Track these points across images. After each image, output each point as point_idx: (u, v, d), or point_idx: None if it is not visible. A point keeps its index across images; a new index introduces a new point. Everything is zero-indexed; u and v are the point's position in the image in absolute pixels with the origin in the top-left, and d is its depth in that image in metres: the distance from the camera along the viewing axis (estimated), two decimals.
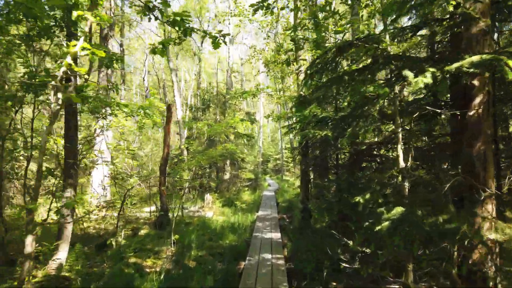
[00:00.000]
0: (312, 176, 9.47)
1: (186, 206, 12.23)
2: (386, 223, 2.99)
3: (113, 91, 5.36)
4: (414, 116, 3.70)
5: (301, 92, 8.04)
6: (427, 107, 3.21)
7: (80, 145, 7.63)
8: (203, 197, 13.12)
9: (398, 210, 2.95)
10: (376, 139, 8.49)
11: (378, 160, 5.31)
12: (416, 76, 2.65)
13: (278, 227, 7.84)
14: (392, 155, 5.92)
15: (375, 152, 5.26)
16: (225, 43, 3.65)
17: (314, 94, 4.07)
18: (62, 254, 5.09)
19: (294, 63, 7.94)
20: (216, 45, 3.67)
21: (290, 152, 31.26)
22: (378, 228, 3.04)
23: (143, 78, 32.24)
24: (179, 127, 16.92)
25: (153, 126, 7.34)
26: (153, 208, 10.31)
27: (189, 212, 11.38)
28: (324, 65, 4.41)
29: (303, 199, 8.10)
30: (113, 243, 6.27)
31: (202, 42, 29.07)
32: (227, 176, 18.09)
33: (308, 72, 4.79)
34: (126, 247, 6.57)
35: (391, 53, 3.22)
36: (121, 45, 20.43)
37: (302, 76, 7.74)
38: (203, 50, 31.25)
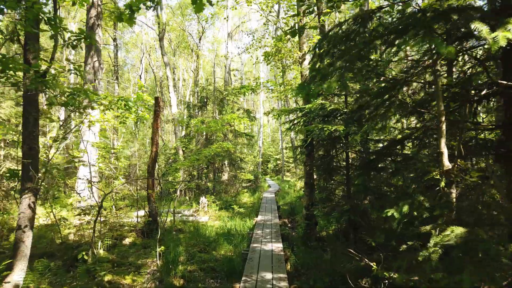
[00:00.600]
0: (316, 178, 8.54)
1: (180, 210, 11.33)
2: (437, 250, 2.06)
3: (77, 74, 4.44)
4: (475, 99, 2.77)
5: (305, 83, 7.12)
6: (501, 81, 2.29)
7: (53, 143, 6.75)
8: (198, 200, 12.21)
9: (457, 231, 2.02)
10: (381, 136, 7.57)
11: (399, 160, 4.39)
12: (493, 30, 1.72)
13: (280, 235, 6.92)
14: (411, 153, 5.01)
15: (397, 150, 4.33)
16: (210, 3, 2.74)
17: (335, 64, 3.13)
18: (17, 274, 4.18)
19: (298, 51, 7.03)
20: (198, 7, 2.75)
21: (291, 151, 30.31)
22: (424, 255, 2.13)
23: (140, 75, 31.40)
24: (174, 125, 16.02)
25: (137, 121, 6.43)
26: (142, 212, 9.41)
27: (182, 217, 10.48)
28: (339, 40, 3.49)
29: (308, 205, 7.18)
30: (86, 257, 5.35)
31: (200, 39, 28.19)
32: (225, 177, 17.18)
33: (317, 50, 3.87)
34: (103, 261, 5.66)
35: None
36: (114, 40, 19.54)
37: (306, 62, 6.83)
38: (202, 47, 30.38)
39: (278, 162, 35.41)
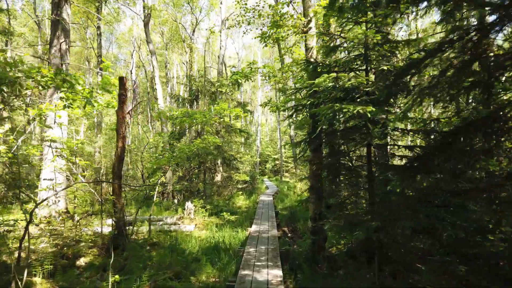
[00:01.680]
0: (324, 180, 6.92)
1: (162, 217, 9.70)
2: None
3: None
4: None
5: (311, 58, 5.52)
6: None
7: None
8: (184, 205, 10.57)
9: None
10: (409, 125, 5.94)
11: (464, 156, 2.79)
12: None
13: (278, 255, 5.31)
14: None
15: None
16: None
17: None
18: None
19: (302, 18, 5.47)
20: None
21: (290, 150, 28.63)
22: None
23: (131, 71, 29.75)
24: (160, 120, 14.41)
25: (85, 105, 4.82)
26: (110, 221, 7.78)
27: (163, 226, 8.85)
28: None
29: (315, 215, 5.59)
30: None
31: (193, 31, 26.57)
32: (218, 178, 15.56)
33: None
34: None
35: None
36: (98, 28, 17.86)
37: (313, 31, 5.23)
38: (196, 40, 28.72)
39: (277, 162, 33.86)
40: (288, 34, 6.40)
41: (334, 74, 3.88)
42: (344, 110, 3.45)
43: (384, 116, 3.90)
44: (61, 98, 4.76)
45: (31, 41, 17.06)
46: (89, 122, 27.15)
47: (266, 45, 9.15)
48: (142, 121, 34.54)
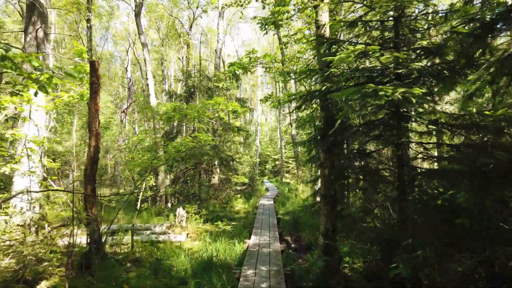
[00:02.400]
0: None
1: (150, 225, 8.66)
2: None
3: None
4: None
5: (325, 32, 4.50)
6: None
7: None
8: (176, 211, 9.52)
9: None
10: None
11: None
12: None
13: (283, 281, 4.27)
14: None
15: None
16: None
17: None
18: None
19: None
20: None
21: (291, 150, 27.53)
22: None
23: (126, 68, 28.73)
24: (153, 118, 13.36)
25: (36, 93, 3.78)
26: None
27: (151, 235, 7.82)
28: None
29: (327, 230, 4.55)
30: None
31: (191, 26, 25.53)
32: (215, 180, 14.53)
33: None
34: None
35: None
36: (88, 21, 16.81)
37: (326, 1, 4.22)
38: (193, 36, 27.67)
39: (277, 162, 32.86)
40: (292, 16, 5.38)
41: (361, 47, 2.85)
42: (380, 93, 2.43)
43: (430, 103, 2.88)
44: (7, 83, 3.73)
45: (17, 33, 16.01)
46: (82, 121, 26.11)
47: (266, 33, 8.18)
48: (139, 120, 33.46)
